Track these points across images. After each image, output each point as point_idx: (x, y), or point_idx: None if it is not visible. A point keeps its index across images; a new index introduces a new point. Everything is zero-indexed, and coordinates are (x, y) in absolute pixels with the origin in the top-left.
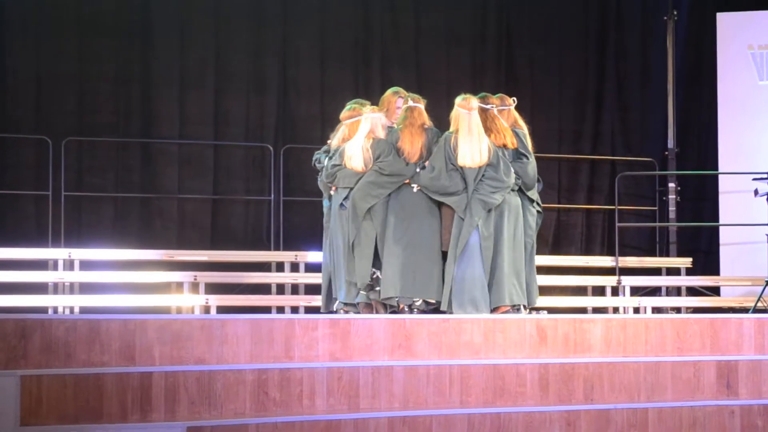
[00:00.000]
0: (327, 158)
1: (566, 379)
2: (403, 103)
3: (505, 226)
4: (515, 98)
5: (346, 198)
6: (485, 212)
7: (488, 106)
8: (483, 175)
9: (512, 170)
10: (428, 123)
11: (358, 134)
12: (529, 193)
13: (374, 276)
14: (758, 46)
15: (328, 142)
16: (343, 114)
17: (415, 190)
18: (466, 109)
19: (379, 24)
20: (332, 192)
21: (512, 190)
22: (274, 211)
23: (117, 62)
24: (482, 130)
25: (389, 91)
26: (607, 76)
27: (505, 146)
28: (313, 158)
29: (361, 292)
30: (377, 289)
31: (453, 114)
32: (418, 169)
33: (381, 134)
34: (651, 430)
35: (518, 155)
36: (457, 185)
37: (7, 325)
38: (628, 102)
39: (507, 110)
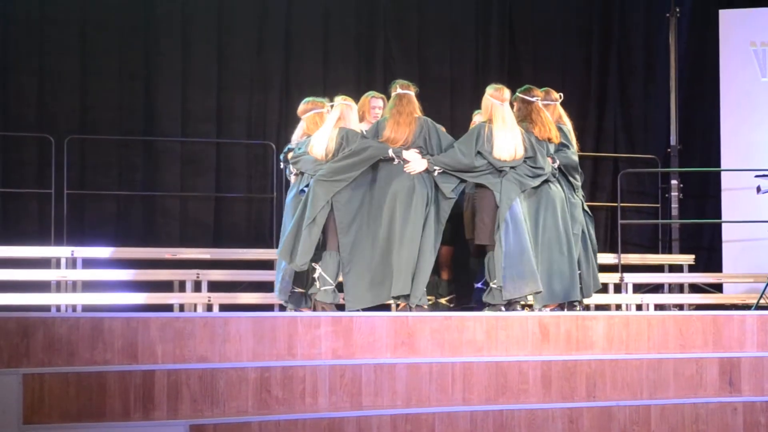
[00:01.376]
0: (290, 149)
1: (569, 377)
2: (381, 103)
3: (557, 221)
4: (561, 94)
5: (307, 185)
6: (521, 192)
7: (533, 99)
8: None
9: (548, 160)
10: (418, 112)
11: (327, 122)
12: (573, 180)
13: (321, 275)
14: (761, 43)
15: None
16: (300, 108)
17: (436, 173)
18: (499, 100)
19: (382, 20)
20: (292, 179)
21: (552, 179)
22: (276, 209)
23: (120, 59)
24: (515, 122)
25: (363, 96)
26: (610, 73)
27: (549, 140)
28: (280, 157)
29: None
30: (323, 288)
31: (484, 103)
32: (390, 152)
33: (352, 124)
34: (653, 427)
35: (560, 147)
36: (483, 166)
37: (10, 323)
38: (630, 99)
39: (552, 105)
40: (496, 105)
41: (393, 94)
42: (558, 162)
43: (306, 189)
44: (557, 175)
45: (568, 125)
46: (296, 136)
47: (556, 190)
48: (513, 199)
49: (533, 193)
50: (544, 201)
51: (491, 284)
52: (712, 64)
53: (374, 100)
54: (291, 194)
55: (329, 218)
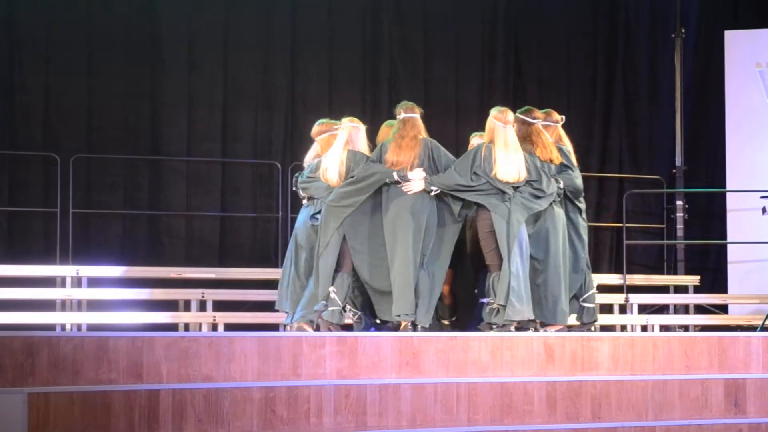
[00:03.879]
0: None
1: (574, 397)
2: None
3: (559, 243)
4: (563, 116)
5: (319, 212)
6: (528, 215)
7: (534, 121)
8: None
9: (553, 182)
10: (423, 134)
11: (336, 145)
12: (577, 202)
13: (331, 296)
14: (766, 64)
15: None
16: (314, 130)
17: (432, 193)
18: (502, 123)
19: (388, 41)
20: (304, 202)
21: (557, 200)
22: (281, 229)
23: (126, 79)
24: (518, 145)
25: (384, 124)
26: (615, 93)
27: (550, 161)
28: (295, 181)
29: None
30: (331, 309)
31: (488, 125)
32: (395, 175)
33: (361, 146)
34: None
35: (563, 168)
36: (482, 184)
37: (15, 342)
38: (636, 119)
39: (553, 127)
40: (499, 127)
41: (397, 117)
42: (562, 183)
43: (318, 216)
44: (561, 197)
45: (568, 146)
46: (309, 158)
47: (560, 212)
48: (521, 222)
49: (540, 216)
50: (551, 223)
51: (493, 303)
52: (717, 84)
53: None
54: (301, 217)
55: (343, 241)
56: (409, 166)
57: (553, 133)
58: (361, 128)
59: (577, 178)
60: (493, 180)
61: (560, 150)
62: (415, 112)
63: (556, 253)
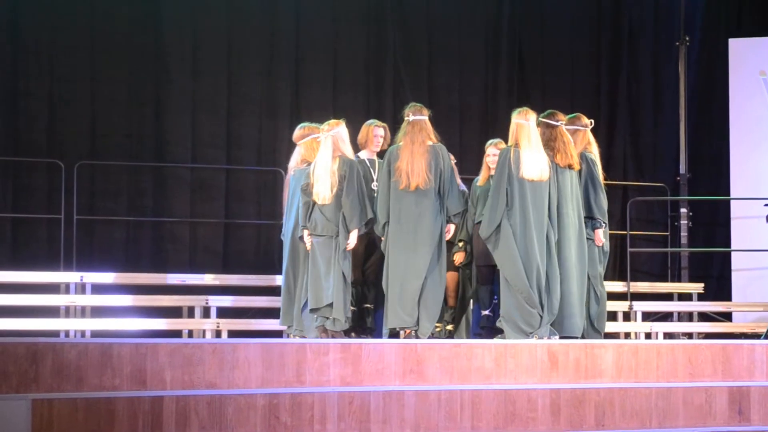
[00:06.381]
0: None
1: (577, 405)
2: (383, 132)
3: (572, 252)
4: (592, 120)
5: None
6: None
7: (557, 123)
8: None
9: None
10: (433, 138)
11: (323, 157)
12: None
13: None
14: None
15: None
16: (296, 134)
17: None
18: (524, 119)
19: (392, 47)
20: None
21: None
22: None
23: (130, 86)
24: (540, 144)
25: (365, 124)
26: (619, 101)
27: (570, 166)
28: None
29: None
30: (333, 318)
31: (510, 129)
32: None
33: (347, 149)
34: None
35: (592, 184)
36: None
37: (19, 348)
38: (640, 127)
39: (582, 131)
40: (522, 124)
41: (405, 119)
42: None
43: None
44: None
45: (595, 153)
46: (294, 163)
47: (579, 224)
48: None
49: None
50: (563, 233)
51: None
52: (721, 92)
53: (377, 129)
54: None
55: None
56: (423, 181)
57: (582, 137)
58: (342, 130)
59: (603, 199)
60: (521, 180)
61: (585, 157)
62: (424, 114)
63: (568, 264)
